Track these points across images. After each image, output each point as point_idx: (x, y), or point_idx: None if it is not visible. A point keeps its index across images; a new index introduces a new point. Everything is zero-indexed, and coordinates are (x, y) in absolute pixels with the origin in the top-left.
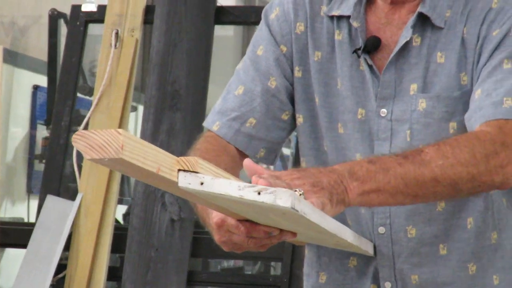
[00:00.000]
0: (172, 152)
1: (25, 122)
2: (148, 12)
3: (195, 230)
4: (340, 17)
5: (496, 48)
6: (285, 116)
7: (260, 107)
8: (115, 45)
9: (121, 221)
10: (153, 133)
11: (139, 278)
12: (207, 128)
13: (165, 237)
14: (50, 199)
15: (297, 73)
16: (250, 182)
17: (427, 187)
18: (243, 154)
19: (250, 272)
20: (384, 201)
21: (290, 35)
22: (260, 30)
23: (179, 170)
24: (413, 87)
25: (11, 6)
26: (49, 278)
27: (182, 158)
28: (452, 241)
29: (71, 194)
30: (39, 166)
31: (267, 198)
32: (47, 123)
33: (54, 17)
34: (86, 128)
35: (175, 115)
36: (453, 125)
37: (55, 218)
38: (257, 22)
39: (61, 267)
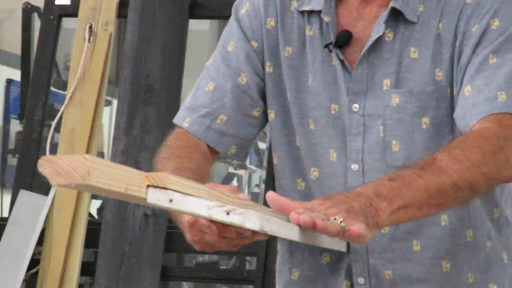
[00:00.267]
0: (146, 147)
1: None
2: (122, 6)
3: (169, 225)
4: (310, 12)
5: (478, 44)
6: (256, 113)
7: (231, 104)
8: (89, 39)
9: (95, 216)
10: (127, 127)
11: (113, 273)
12: (177, 124)
13: (139, 232)
14: (23, 194)
15: (268, 69)
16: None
17: (449, 194)
18: (214, 151)
19: (225, 267)
20: (412, 216)
21: (261, 31)
22: (230, 26)
23: (148, 186)
24: (386, 82)
25: None
26: (22, 273)
27: (152, 174)
28: (425, 238)
29: (44, 189)
30: (13, 161)
31: (236, 219)
32: (20, 117)
33: (28, 10)
34: (59, 121)
35: (149, 110)
36: (425, 120)
37: (28, 213)
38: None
39: (34, 262)
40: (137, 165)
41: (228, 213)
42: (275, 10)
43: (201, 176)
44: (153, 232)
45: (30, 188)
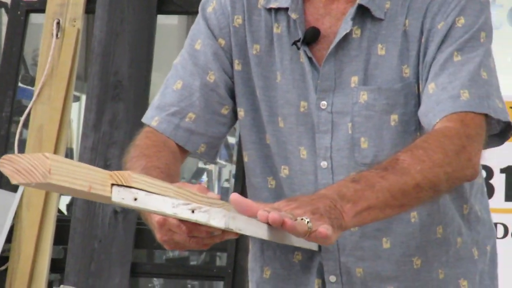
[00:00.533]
0: (115, 143)
1: None
2: (90, 1)
3: (139, 221)
4: (278, 9)
5: (443, 41)
6: (225, 111)
7: (199, 102)
8: (57, 35)
9: (65, 212)
10: (96, 124)
11: (83, 269)
12: (146, 123)
13: (109, 228)
14: None
15: (237, 66)
16: (195, 180)
17: (411, 195)
18: (183, 149)
19: (195, 263)
20: (375, 217)
21: (228, 28)
22: (198, 24)
23: (112, 184)
24: (354, 79)
25: None
26: None
27: (116, 172)
28: (395, 235)
29: (12, 186)
30: None
31: (201, 216)
32: None
33: None
34: (28, 118)
35: (118, 106)
36: (394, 117)
37: None
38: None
39: (3, 259)
40: (106, 161)
41: (193, 211)
42: (242, 7)
43: (171, 175)
44: (122, 228)
45: None
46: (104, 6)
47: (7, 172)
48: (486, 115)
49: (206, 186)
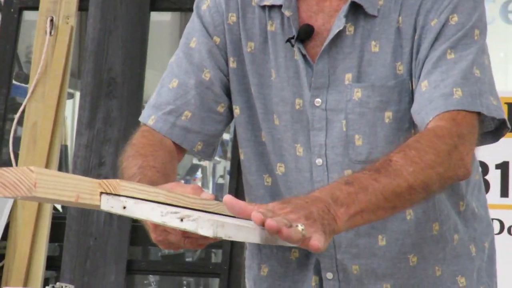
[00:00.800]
0: (109, 140)
1: None
2: None
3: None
4: (271, 7)
5: (436, 39)
6: (220, 108)
7: (195, 100)
8: (50, 33)
9: (60, 209)
10: (90, 121)
11: (78, 267)
12: (142, 122)
13: (104, 226)
14: None
15: (232, 64)
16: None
17: (404, 197)
18: (180, 148)
19: (190, 259)
20: (368, 219)
21: (223, 26)
22: (192, 22)
23: (101, 193)
24: (348, 76)
25: None
26: None
27: (104, 181)
28: (390, 232)
29: None
30: None
31: (189, 225)
32: None
33: None
34: (22, 115)
35: (112, 103)
36: (388, 114)
37: None
38: (192, 9)
39: None
40: (100, 159)
41: (182, 220)
42: (236, 5)
43: (166, 174)
44: (117, 226)
45: None
46: (97, 4)
47: None
48: (479, 113)
49: (200, 184)
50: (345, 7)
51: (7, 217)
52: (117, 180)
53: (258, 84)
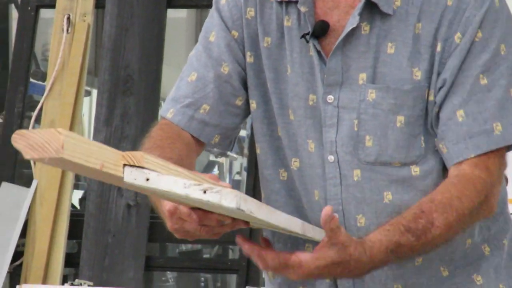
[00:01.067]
0: (127, 137)
1: None
2: None
3: (152, 215)
4: (288, 2)
5: (466, 58)
6: (238, 102)
7: (213, 93)
8: (67, 30)
9: (77, 206)
10: (107, 118)
11: (97, 264)
12: (162, 116)
13: (122, 222)
14: (5, 186)
15: (249, 59)
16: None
17: (433, 249)
18: (198, 141)
19: (208, 255)
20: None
21: (241, 20)
22: (211, 17)
23: (124, 165)
24: (362, 76)
25: None
26: (6, 266)
27: (128, 153)
28: None
29: (26, 181)
30: None
31: (212, 197)
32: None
33: (5, 2)
34: (39, 114)
35: (129, 100)
36: (400, 118)
37: (10, 205)
38: (209, 5)
39: (18, 254)
40: None
41: (205, 192)
42: (255, 0)
43: (183, 166)
44: (135, 222)
45: (12, 180)
46: (113, 1)
47: (20, 147)
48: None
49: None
50: (360, 5)
51: (25, 214)
52: (141, 152)
53: (274, 79)
